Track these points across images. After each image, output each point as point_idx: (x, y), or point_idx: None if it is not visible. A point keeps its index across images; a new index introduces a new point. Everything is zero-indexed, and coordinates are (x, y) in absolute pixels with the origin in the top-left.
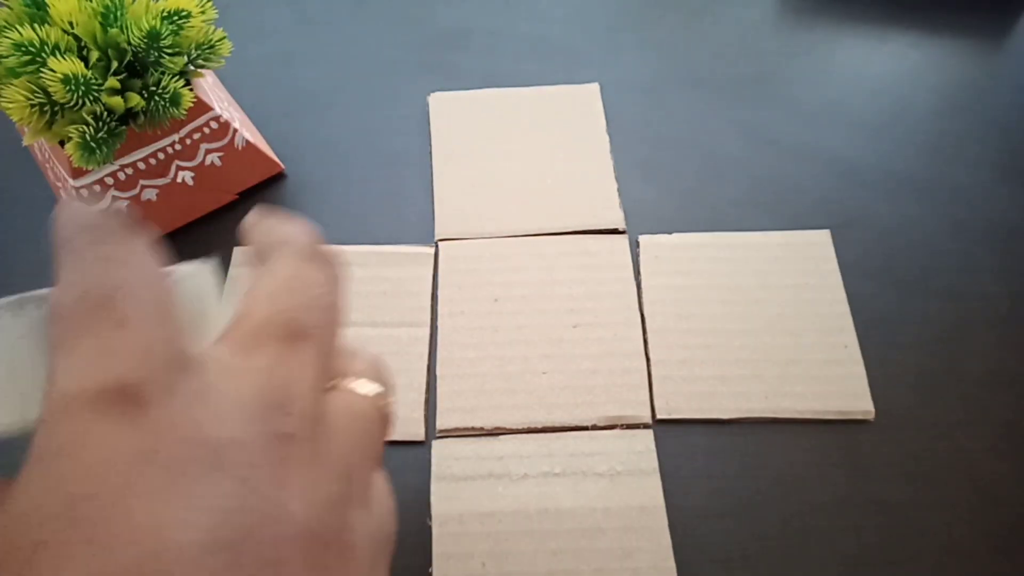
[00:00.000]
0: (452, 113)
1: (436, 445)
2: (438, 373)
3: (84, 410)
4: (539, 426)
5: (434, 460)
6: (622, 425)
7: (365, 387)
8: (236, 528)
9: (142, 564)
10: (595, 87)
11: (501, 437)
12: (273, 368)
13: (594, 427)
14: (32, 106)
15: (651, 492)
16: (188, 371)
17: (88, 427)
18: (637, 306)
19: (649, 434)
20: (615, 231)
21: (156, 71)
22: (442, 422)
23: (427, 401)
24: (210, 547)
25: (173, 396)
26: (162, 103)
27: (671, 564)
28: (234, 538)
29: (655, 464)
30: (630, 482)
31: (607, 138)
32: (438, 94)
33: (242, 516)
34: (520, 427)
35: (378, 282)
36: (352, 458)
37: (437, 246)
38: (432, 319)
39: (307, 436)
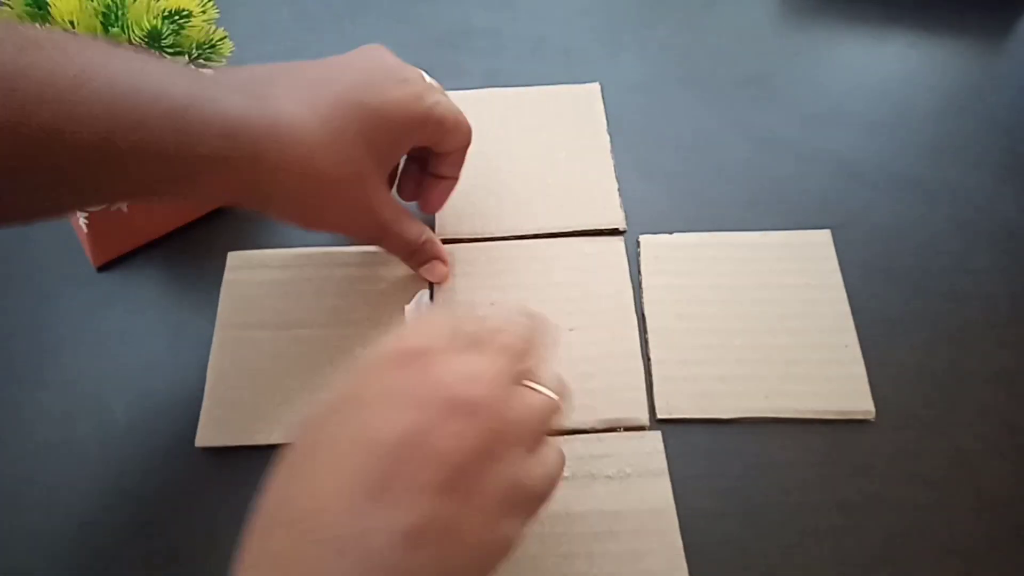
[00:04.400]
0: None
1: None
2: None
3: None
4: None
5: None
6: (621, 428)
7: (543, 389)
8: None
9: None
10: (595, 87)
11: None
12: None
13: (592, 430)
14: None
15: (661, 493)
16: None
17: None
18: (633, 308)
19: (657, 435)
20: (615, 231)
21: None
22: None
23: None
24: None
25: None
26: None
27: (683, 566)
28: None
29: (664, 465)
30: (640, 484)
31: (607, 138)
32: None
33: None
34: None
35: (377, 282)
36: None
37: None
38: None
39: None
